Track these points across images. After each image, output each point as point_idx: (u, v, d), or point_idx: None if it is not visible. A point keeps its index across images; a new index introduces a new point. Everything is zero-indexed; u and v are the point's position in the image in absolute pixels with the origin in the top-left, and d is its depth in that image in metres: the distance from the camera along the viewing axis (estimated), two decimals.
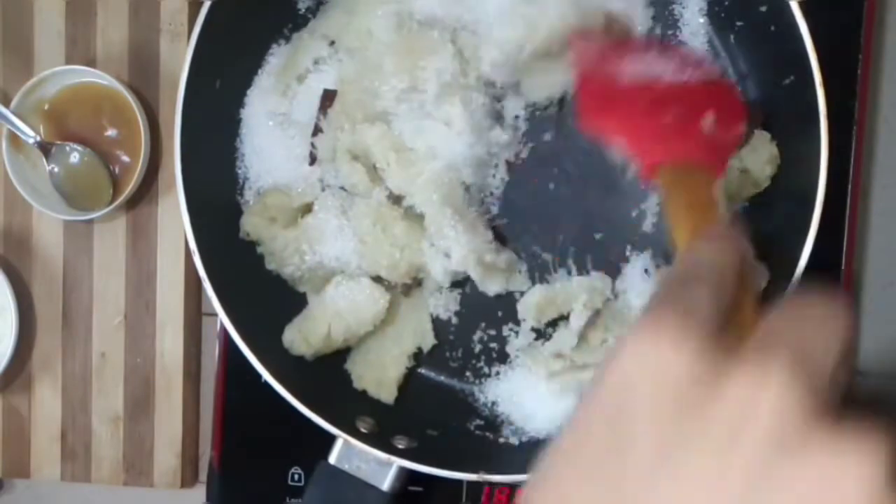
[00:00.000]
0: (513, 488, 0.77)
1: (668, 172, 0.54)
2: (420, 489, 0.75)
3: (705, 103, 0.59)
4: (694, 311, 0.31)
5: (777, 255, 0.69)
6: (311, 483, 0.70)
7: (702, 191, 0.50)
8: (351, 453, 0.69)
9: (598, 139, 0.61)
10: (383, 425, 0.71)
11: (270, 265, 0.76)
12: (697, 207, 0.48)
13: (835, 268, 0.74)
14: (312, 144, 0.75)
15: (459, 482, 0.75)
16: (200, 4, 0.70)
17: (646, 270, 0.74)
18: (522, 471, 0.66)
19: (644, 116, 0.59)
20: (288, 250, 0.75)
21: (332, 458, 0.69)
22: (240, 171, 0.77)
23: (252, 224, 0.75)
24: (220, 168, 0.76)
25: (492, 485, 0.77)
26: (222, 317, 0.70)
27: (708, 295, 0.32)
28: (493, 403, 0.76)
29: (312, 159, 0.75)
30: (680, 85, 0.60)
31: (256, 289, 0.75)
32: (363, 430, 0.70)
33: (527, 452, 0.71)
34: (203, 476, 0.84)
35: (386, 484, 0.69)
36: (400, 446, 0.70)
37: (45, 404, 0.85)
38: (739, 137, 0.61)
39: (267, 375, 0.69)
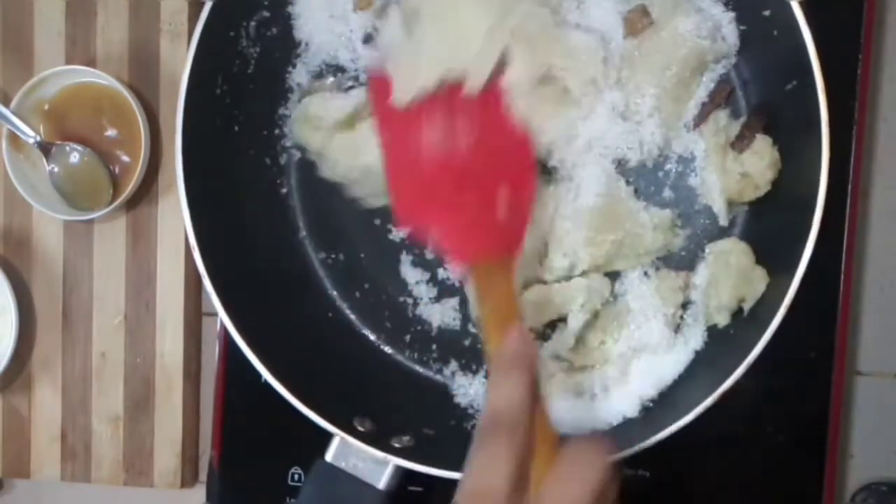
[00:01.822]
0: None
1: (477, 274, 0.61)
2: (420, 489, 0.75)
3: (501, 165, 0.65)
4: (493, 483, 0.44)
5: (777, 258, 0.69)
6: (307, 481, 0.70)
7: (503, 290, 0.59)
8: (348, 452, 0.69)
9: (418, 235, 0.66)
10: (381, 424, 0.71)
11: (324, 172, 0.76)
12: (500, 310, 0.58)
13: (835, 268, 0.74)
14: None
15: (458, 482, 0.75)
16: (200, 4, 0.71)
17: (645, 273, 0.74)
18: None
19: (451, 207, 0.64)
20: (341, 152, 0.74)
21: (329, 457, 0.69)
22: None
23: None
24: (221, 167, 0.76)
25: None
26: (222, 317, 0.70)
27: (506, 453, 0.45)
28: None
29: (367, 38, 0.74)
30: (477, 146, 0.64)
31: (256, 288, 0.75)
32: (361, 428, 0.70)
33: None
34: (203, 476, 0.85)
35: (382, 482, 0.69)
36: (397, 445, 0.70)
37: (45, 404, 0.85)
38: (531, 196, 0.66)
39: (267, 375, 0.69)
